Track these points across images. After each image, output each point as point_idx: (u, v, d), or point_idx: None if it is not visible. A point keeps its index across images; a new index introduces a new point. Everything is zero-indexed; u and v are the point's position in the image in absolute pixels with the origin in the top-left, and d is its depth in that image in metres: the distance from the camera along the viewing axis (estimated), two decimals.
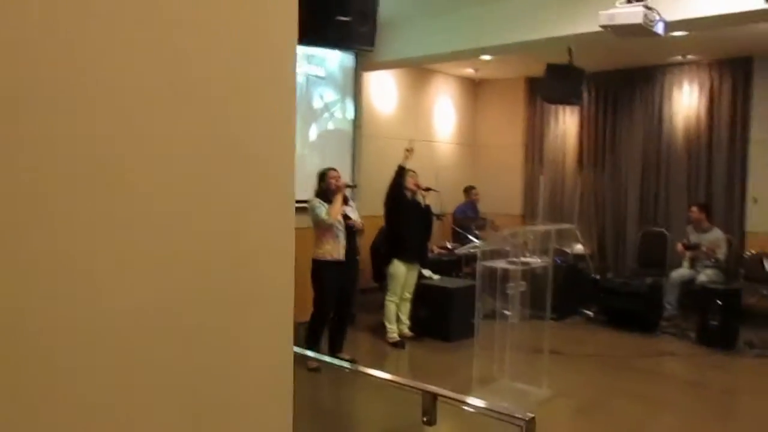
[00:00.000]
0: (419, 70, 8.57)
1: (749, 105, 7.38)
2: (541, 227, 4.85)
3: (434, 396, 1.86)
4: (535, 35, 5.27)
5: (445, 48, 6.04)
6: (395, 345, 5.84)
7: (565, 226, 5.54)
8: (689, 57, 7.55)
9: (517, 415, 1.71)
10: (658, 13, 3.49)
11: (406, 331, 6.01)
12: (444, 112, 9.15)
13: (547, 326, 5.20)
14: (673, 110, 7.94)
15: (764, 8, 4.23)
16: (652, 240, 8.06)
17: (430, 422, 1.86)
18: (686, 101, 7.85)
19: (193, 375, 0.89)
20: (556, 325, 5.57)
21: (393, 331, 5.89)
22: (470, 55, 6.49)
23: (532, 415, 1.70)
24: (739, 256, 7.31)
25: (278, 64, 0.96)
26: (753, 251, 7.09)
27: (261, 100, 0.95)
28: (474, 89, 9.66)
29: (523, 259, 4.46)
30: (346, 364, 2.84)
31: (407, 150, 5.69)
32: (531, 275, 4.77)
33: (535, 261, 4.78)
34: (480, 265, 4.48)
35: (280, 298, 0.98)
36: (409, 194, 5.72)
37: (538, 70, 7.83)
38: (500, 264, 4.39)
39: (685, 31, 4.61)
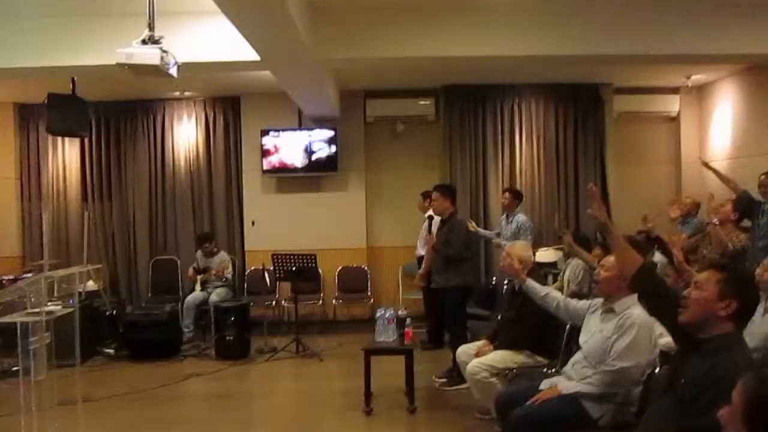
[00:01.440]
0: None
1: (240, 138, 8.33)
2: (61, 271, 4.50)
3: None
4: (36, 62, 4.86)
5: None
6: None
7: (78, 268, 5.26)
8: (186, 93, 8.07)
9: None
10: (173, 56, 3.69)
11: None
12: None
13: (73, 374, 4.84)
14: (175, 143, 8.35)
15: (253, 60, 4.89)
16: (164, 267, 8.30)
17: None
18: (186, 134, 8.36)
19: None
20: (82, 370, 5.22)
21: None
22: None
23: None
24: (243, 273, 8.17)
25: None
26: (253, 267, 8.01)
27: None
28: None
29: (45, 308, 4.06)
30: None
31: None
32: (51, 323, 4.37)
33: (57, 308, 4.41)
34: None
35: None
36: None
37: (31, 95, 7.19)
38: (19, 318, 3.90)
39: (187, 72, 4.96)
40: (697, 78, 8.09)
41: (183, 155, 8.36)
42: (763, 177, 5.40)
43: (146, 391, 5.65)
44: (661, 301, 2.52)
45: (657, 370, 2.97)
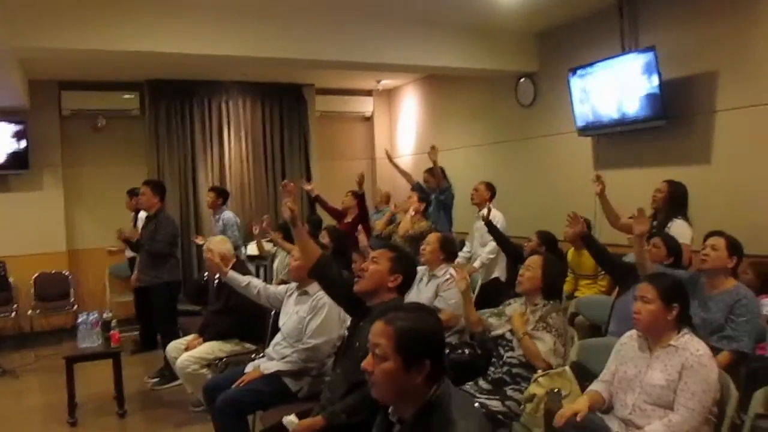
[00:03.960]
0: None
1: None
2: None
3: None
4: None
5: None
6: None
7: None
8: None
9: None
10: None
11: None
12: None
13: None
14: None
15: None
16: None
17: None
18: None
19: None
20: None
21: None
22: None
23: None
24: None
25: None
26: None
27: None
28: None
29: None
30: None
31: None
32: None
33: None
34: None
35: None
36: None
37: None
38: None
39: None
40: (386, 83, 9.09)
41: None
42: (425, 174, 6.33)
43: None
44: (335, 285, 2.92)
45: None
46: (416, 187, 6.43)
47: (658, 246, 3.81)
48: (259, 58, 5.79)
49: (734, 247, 3.34)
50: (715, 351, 2.96)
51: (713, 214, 4.43)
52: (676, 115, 5.03)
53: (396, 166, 7.05)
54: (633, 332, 2.70)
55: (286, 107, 8.73)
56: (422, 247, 4.17)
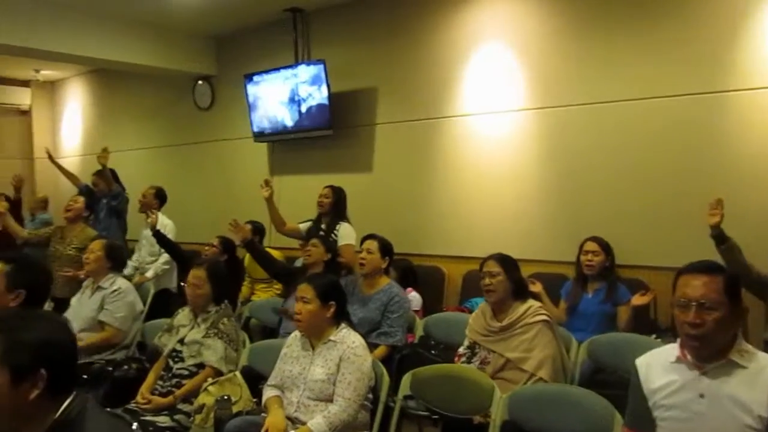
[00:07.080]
0: None
1: None
2: None
3: None
4: None
5: None
6: None
7: None
8: None
9: None
10: None
11: None
12: None
13: None
14: None
15: None
16: None
17: None
18: None
19: None
20: None
21: None
22: None
23: None
24: None
25: None
26: None
27: None
28: None
29: None
30: None
31: None
32: None
33: None
34: None
35: None
36: None
37: None
38: None
39: None
40: (48, 73, 8.12)
41: None
42: (94, 177, 5.79)
43: None
44: None
45: None
46: (83, 191, 5.80)
47: (317, 245, 3.99)
48: None
49: (385, 249, 3.68)
50: (374, 347, 3.25)
51: (373, 217, 4.83)
52: (342, 125, 5.40)
53: (59, 166, 6.30)
54: (296, 333, 2.78)
55: None
56: (85, 256, 3.79)
